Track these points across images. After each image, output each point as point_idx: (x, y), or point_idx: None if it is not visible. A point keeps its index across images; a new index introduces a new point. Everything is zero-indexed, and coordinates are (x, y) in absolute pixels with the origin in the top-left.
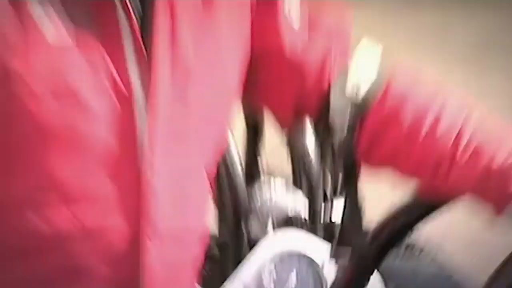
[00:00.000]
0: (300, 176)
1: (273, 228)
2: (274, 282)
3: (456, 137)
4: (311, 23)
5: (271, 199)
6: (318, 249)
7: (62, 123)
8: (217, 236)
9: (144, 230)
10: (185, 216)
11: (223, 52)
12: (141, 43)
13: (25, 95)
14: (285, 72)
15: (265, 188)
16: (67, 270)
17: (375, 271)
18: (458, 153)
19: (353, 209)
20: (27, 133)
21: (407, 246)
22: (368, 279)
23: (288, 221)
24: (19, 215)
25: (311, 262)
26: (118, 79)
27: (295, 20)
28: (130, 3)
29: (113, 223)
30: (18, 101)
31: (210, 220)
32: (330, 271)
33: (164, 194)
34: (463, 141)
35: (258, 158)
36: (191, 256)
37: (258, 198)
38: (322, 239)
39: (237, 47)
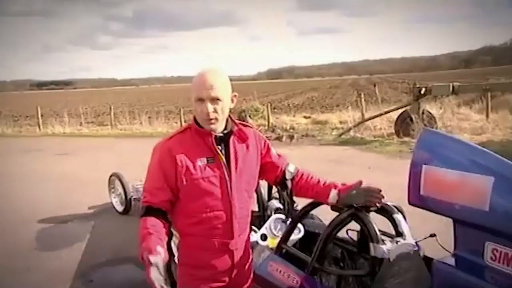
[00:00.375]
0: (284, 199)
1: (273, 213)
2: (274, 229)
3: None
4: (278, 154)
5: (272, 204)
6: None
7: (206, 185)
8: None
9: (232, 212)
10: (245, 207)
11: (252, 162)
12: (223, 155)
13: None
14: (271, 168)
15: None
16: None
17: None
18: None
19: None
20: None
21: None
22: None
23: (276, 210)
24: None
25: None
26: (220, 171)
27: (275, 154)
28: (216, 143)
29: (221, 211)
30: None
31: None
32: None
33: (237, 203)
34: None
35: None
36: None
37: (268, 204)
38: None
39: (257, 162)
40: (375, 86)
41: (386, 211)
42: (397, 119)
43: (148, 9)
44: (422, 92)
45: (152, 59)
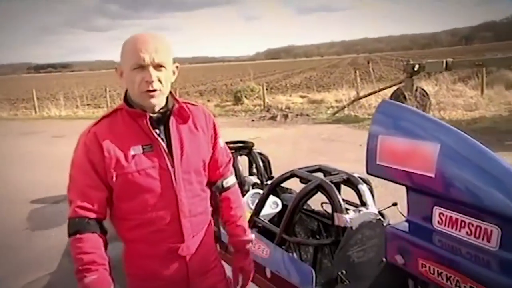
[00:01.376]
0: (261, 174)
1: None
2: (252, 203)
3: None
4: (225, 149)
5: (250, 179)
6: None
7: (142, 180)
8: None
9: (179, 210)
10: (198, 203)
11: (202, 145)
12: (163, 141)
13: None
14: (218, 155)
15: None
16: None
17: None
18: None
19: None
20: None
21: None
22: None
23: (254, 185)
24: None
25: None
26: (160, 160)
27: (222, 143)
28: (152, 125)
29: (164, 210)
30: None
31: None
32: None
33: (185, 199)
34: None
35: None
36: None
37: (246, 179)
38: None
39: (208, 144)
40: (368, 63)
41: (351, 182)
42: (391, 96)
43: None
44: (416, 69)
45: None
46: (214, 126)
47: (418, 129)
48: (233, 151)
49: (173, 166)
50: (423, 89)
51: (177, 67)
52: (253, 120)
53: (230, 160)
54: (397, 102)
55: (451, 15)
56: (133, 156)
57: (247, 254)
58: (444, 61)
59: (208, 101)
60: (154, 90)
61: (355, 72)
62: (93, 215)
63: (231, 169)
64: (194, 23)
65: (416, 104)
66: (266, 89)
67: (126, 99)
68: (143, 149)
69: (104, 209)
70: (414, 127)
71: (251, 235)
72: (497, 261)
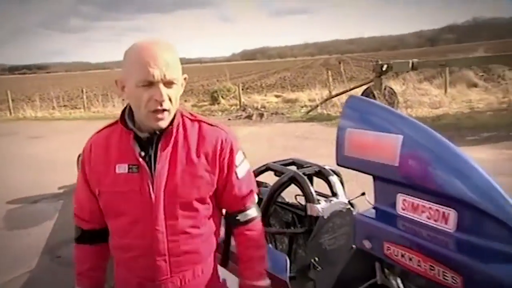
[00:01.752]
0: None
1: None
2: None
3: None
4: (247, 178)
5: None
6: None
7: (119, 202)
8: None
9: (156, 247)
10: (187, 242)
11: (205, 174)
12: (147, 164)
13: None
14: (233, 187)
15: None
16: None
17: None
18: None
19: None
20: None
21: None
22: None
23: None
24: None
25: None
26: (143, 185)
27: (240, 173)
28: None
29: (138, 239)
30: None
31: None
32: None
33: (168, 235)
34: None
35: None
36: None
37: None
38: None
39: (209, 178)
40: (340, 64)
41: (323, 174)
42: (361, 95)
43: None
44: (384, 69)
45: (125, 42)
46: (231, 153)
47: (383, 122)
48: None
49: (154, 194)
50: (391, 88)
51: (185, 78)
52: (229, 119)
53: (250, 192)
54: (363, 97)
55: (417, 18)
56: (118, 174)
57: None
58: (411, 61)
59: (186, 101)
60: (163, 110)
61: (328, 72)
62: (86, 226)
63: (253, 201)
64: (170, 25)
65: (384, 102)
66: (242, 89)
67: (124, 113)
68: (129, 169)
69: (98, 219)
70: (379, 120)
71: (266, 282)
72: (454, 241)
